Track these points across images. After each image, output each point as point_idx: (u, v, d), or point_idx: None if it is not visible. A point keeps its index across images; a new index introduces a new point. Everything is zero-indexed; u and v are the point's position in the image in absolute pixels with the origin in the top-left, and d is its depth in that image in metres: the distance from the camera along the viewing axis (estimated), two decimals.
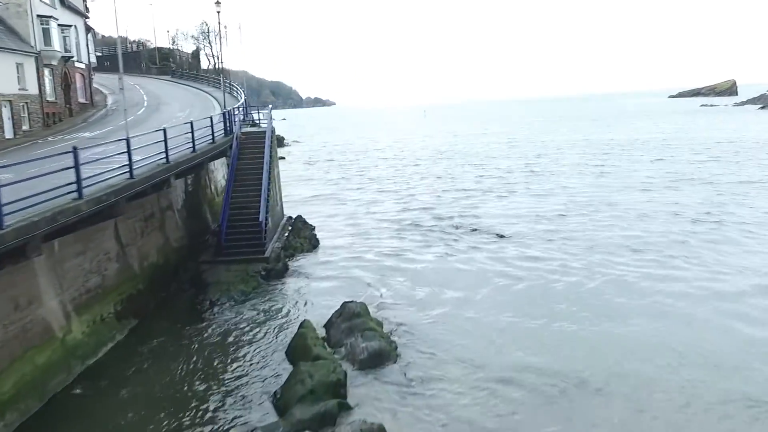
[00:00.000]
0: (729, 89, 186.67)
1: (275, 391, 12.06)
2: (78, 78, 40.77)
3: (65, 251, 14.26)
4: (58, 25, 35.60)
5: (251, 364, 13.86)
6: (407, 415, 11.18)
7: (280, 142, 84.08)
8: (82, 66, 41.53)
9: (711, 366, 12.55)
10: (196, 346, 15.30)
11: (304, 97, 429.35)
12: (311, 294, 18.34)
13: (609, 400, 11.39)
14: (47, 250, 13.07)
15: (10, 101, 29.97)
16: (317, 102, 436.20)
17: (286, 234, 24.99)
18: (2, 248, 10.15)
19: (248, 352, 14.53)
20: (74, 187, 12.31)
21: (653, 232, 23.12)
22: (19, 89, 31.19)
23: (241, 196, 23.33)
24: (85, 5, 51.22)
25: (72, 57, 38.07)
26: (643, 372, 12.29)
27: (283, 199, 36.41)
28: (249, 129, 27.81)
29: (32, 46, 32.69)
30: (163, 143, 18.34)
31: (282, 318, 16.66)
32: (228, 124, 25.66)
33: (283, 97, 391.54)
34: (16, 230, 10.61)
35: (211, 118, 22.64)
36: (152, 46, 77.66)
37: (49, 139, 29.24)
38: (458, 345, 13.98)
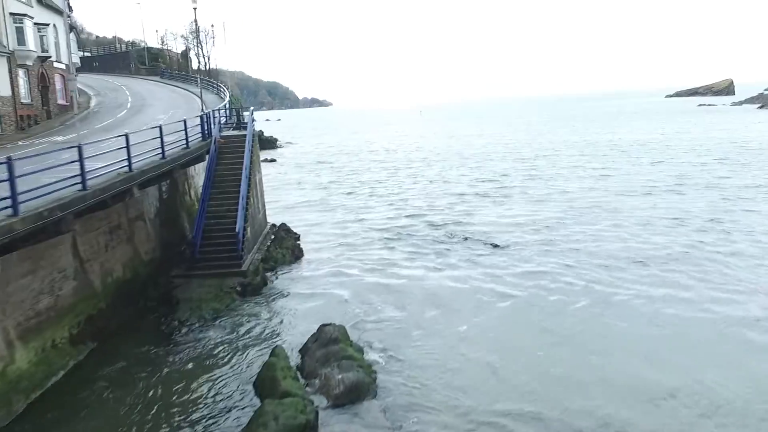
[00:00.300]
0: (726, 89, 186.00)
1: None
2: (57, 79, 39.23)
3: (9, 272, 12.80)
4: (34, 23, 34.09)
5: (215, 399, 12.42)
6: None
7: (273, 143, 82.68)
8: (62, 66, 39.96)
9: (720, 414, 10.93)
10: (158, 374, 13.87)
11: (300, 98, 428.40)
12: (289, 313, 16.90)
13: None
14: None
15: None
16: (314, 102, 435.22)
17: (268, 243, 23.57)
18: None
19: (213, 383, 13.09)
20: (9, 202, 10.83)
21: (656, 244, 21.61)
22: None
23: (218, 204, 21.88)
24: (68, 4, 49.72)
25: (49, 57, 36.53)
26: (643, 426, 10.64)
27: (269, 205, 34.99)
28: (230, 132, 26.33)
29: (4, 46, 31.17)
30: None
31: (255, 341, 15.21)
32: (207, 127, 24.17)
33: (280, 97, 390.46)
34: None
35: (184, 121, 21.16)
36: (142, 46, 76.07)
37: (20, 143, 27.71)
38: (446, 378, 12.53)
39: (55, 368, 13.58)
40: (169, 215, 23.15)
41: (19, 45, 32.11)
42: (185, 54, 71.46)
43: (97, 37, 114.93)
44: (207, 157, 22.85)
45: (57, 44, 39.54)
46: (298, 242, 24.56)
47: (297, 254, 22.82)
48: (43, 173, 13.04)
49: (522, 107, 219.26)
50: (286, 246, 22.94)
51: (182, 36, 75.22)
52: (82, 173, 13.34)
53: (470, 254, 21.59)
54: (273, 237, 24.55)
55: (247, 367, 13.67)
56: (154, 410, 12.02)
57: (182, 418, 11.65)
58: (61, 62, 39.80)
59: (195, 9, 32.19)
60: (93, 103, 48.00)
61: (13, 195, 10.85)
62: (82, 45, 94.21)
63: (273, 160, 61.48)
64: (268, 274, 20.62)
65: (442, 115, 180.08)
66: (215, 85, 50.73)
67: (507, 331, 14.73)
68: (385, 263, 21.06)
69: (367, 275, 19.57)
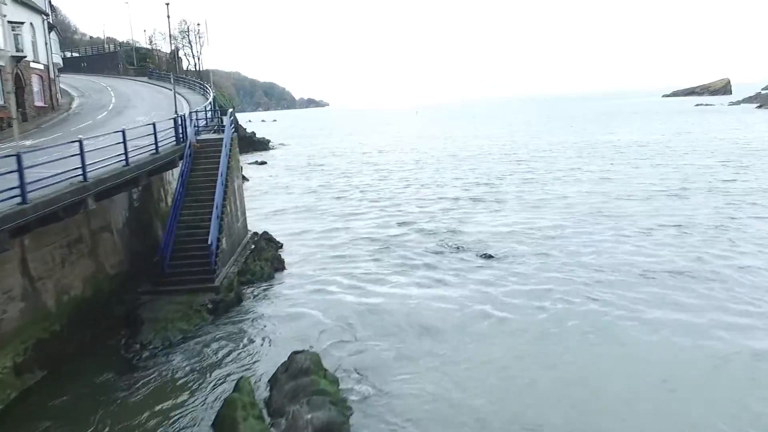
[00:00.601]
0: (723, 88, 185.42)
1: None
2: (35, 80, 37.70)
3: None
4: (8, 22, 32.55)
5: None
6: None
7: (265, 145, 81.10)
8: (40, 67, 38.45)
9: None
10: (111, 407, 12.44)
11: (297, 98, 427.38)
12: (262, 335, 15.44)
13: None
14: None
15: None
16: (311, 103, 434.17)
17: (247, 254, 22.12)
18: None
19: (170, 422, 11.63)
20: None
21: (660, 257, 19.99)
22: None
23: (192, 213, 20.46)
24: (49, 3, 48.20)
25: (25, 57, 35.01)
26: None
27: (254, 211, 33.54)
28: (208, 136, 24.83)
29: None
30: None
31: (222, 369, 13.76)
32: (182, 131, 22.69)
33: (277, 98, 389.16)
34: None
35: (153, 125, 19.67)
36: (130, 47, 74.49)
37: None
38: (431, 416, 11.09)
39: None
40: (140, 225, 21.65)
41: None
42: (174, 54, 69.88)
43: (90, 37, 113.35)
44: (180, 162, 21.39)
45: (34, 44, 38.04)
46: (280, 253, 23.13)
47: (277, 266, 21.35)
48: None
49: (519, 107, 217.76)
50: (265, 257, 21.46)
51: (171, 36, 73.43)
52: (22, 185, 11.87)
53: (462, 267, 20.13)
54: (253, 247, 23.10)
55: (211, 401, 12.21)
56: None
57: None
58: (38, 62, 38.28)
59: (168, 4, 30.62)
60: (75, 104, 46.51)
61: None
62: (74, 45, 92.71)
63: (264, 163, 60.00)
64: (246, 288, 19.17)
65: (439, 116, 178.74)
66: (201, 86, 49.24)
67: (501, 363, 13.22)
68: (371, 278, 19.57)
69: (351, 292, 18.08)
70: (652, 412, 10.97)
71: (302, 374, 11.82)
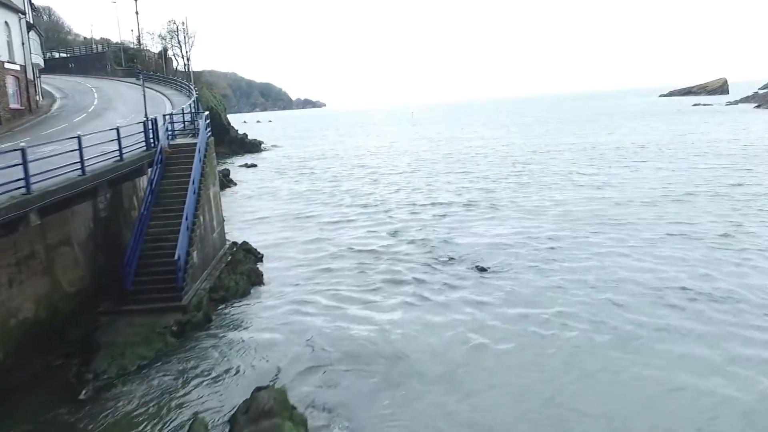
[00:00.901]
0: (720, 88, 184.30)
1: None
2: (10, 81, 36.10)
3: None
4: None
5: None
6: None
7: (257, 147, 79.56)
8: (16, 67, 36.88)
9: None
10: None
11: (294, 99, 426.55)
12: (227, 364, 13.91)
13: None
14: None
15: None
16: (307, 103, 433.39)
17: (223, 266, 20.61)
18: None
19: None
20: None
21: (665, 272, 18.34)
22: None
23: (161, 225, 18.96)
24: (29, 2, 46.66)
25: None
26: None
27: (238, 217, 32.14)
28: (183, 140, 23.31)
29: None
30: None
31: (178, 405, 12.26)
32: (153, 135, 21.20)
33: (273, 98, 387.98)
34: None
35: (117, 129, 18.18)
36: (118, 47, 72.91)
37: None
38: None
39: None
40: (108, 237, 20.07)
41: None
42: (163, 54, 68.31)
43: (84, 38, 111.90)
44: (150, 169, 19.91)
45: (10, 44, 36.48)
46: (259, 265, 21.65)
47: (254, 281, 19.85)
48: None
49: (516, 107, 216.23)
50: (241, 271, 19.95)
51: (160, 36, 71.91)
52: None
53: (453, 284, 18.60)
54: (230, 259, 21.59)
55: None
56: None
57: None
58: (14, 63, 36.71)
59: (136, 2, 29.10)
60: (56, 106, 45.01)
61: None
62: (68, 45, 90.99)
63: (253, 165, 58.51)
64: (218, 306, 17.67)
65: (436, 116, 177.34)
66: (186, 86, 47.76)
67: (492, 399, 11.72)
68: (353, 297, 18.02)
69: (330, 313, 16.54)
70: None
71: (264, 416, 10.34)
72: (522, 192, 34.79)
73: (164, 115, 23.86)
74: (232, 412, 11.08)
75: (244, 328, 15.87)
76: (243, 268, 20.29)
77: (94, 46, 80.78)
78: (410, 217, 29.86)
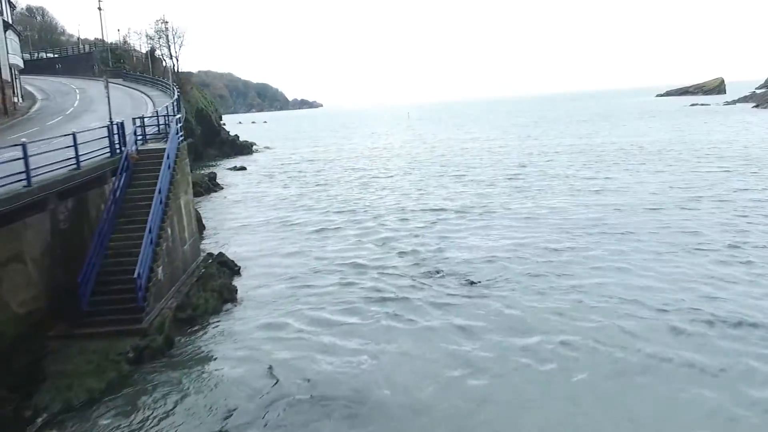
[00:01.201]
0: (717, 87, 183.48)
1: None
2: None
3: None
4: None
5: None
6: None
7: (249, 148, 78.10)
8: None
9: None
10: None
11: (290, 99, 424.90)
12: (187, 397, 12.44)
13: None
14: None
15: None
16: (303, 104, 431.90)
17: (194, 282, 19.13)
18: None
19: None
20: None
21: (671, 291, 16.76)
22: None
23: (125, 238, 17.50)
24: (9, 2, 45.21)
25: None
26: None
27: (221, 225, 30.74)
28: (154, 146, 21.83)
29: None
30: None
31: None
32: (119, 140, 19.72)
33: (270, 99, 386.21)
34: None
35: (74, 134, 16.70)
36: (105, 47, 71.33)
37: None
38: None
39: None
40: (68, 252, 18.41)
41: None
42: (150, 54, 66.76)
43: (78, 38, 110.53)
44: (113, 178, 18.43)
45: None
46: (235, 279, 20.20)
47: (227, 297, 18.37)
48: None
49: (513, 107, 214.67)
50: (212, 288, 18.46)
51: (147, 35, 70.29)
52: None
53: (439, 301, 17.13)
54: (202, 272, 20.11)
55: None
56: None
57: None
58: None
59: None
60: (35, 108, 43.52)
61: None
62: (61, 45, 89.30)
63: (243, 168, 57.00)
64: (183, 327, 16.20)
65: (431, 117, 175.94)
66: (167, 86, 46.33)
67: None
68: (332, 317, 16.47)
69: (304, 338, 14.98)
70: None
71: None
72: (517, 197, 33.38)
73: (134, 118, 22.39)
74: None
75: (207, 356, 14.38)
76: (215, 284, 18.79)
77: (81, 46, 79.23)
78: (400, 224, 28.43)
